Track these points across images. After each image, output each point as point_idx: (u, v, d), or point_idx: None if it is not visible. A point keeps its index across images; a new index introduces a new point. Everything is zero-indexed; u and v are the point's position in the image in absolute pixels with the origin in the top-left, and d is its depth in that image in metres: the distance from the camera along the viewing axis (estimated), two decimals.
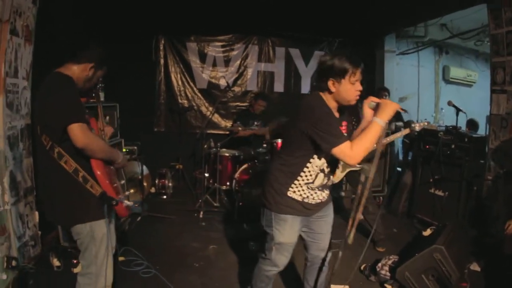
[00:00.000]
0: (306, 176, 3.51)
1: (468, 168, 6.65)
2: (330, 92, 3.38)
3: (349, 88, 3.29)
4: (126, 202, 3.30)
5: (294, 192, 3.55)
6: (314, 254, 3.98)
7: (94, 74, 3.36)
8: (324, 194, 3.71)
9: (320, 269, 4.03)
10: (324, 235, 3.92)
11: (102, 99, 6.25)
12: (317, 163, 3.47)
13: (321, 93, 3.45)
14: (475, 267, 5.54)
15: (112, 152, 3.33)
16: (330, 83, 3.32)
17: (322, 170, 3.53)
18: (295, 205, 3.58)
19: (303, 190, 3.55)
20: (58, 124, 2.95)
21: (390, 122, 3.30)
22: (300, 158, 3.49)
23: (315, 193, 3.62)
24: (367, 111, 3.42)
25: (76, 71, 3.23)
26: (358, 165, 5.85)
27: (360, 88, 3.32)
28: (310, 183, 3.54)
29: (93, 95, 3.79)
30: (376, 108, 3.29)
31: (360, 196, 3.43)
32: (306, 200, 3.59)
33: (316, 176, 3.53)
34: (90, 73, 3.31)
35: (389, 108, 3.17)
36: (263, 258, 3.92)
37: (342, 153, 3.14)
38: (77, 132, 2.91)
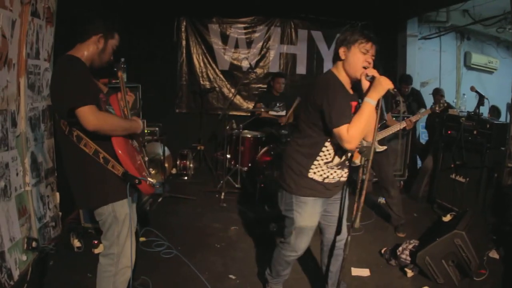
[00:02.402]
0: (325, 155, 3.52)
1: (489, 155, 6.57)
2: (341, 60, 3.46)
3: (358, 56, 3.36)
4: (150, 180, 3.22)
5: (315, 173, 3.56)
6: (330, 237, 3.99)
7: (105, 44, 3.26)
8: (343, 173, 3.69)
9: (337, 253, 4.01)
10: (334, 219, 3.94)
11: (125, 79, 6.30)
12: (334, 141, 3.43)
13: (333, 69, 3.54)
14: (494, 254, 5.54)
15: (129, 124, 3.27)
16: (341, 50, 3.42)
17: (341, 148, 3.45)
18: (316, 187, 3.59)
19: (323, 170, 3.56)
20: (67, 108, 2.88)
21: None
22: (318, 138, 3.50)
23: (335, 172, 3.61)
24: (364, 82, 3.38)
25: (86, 49, 3.17)
26: (380, 146, 5.84)
27: (370, 60, 3.37)
28: (329, 162, 3.54)
29: (115, 70, 3.65)
30: (372, 81, 3.28)
31: (361, 179, 3.34)
32: (326, 181, 3.59)
33: (335, 154, 3.53)
34: (101, 44, 3.22)
35: (381, 87, 3.18)
36: (282, 243, 3.95)
37: (339, 136, 3.20)
38: (86, 114, 2.83)
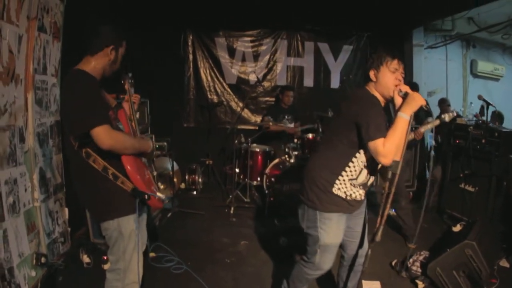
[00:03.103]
0: (350, 171, 3.52)
1: (498, 163, 6.56)
2: (372, 82, 3.56)
3: (388, 76, 3.46)
4: (159, 195, 3.23)
5: (339, 189, 3.54)
6: (351, 253, 3.96)
7: (116, 55, 3.27)
8: (362, 192, 3.69)
9: (357, 269, 3.98)
10: (357, 234, 3.93)
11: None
12: (362, 158, 3.50)
13: (367, 87, 3.62)
14: (504, 263, 5.52)
15: (140, 144, 3.29)
16: (371, 73, 3.54)
17: (366, 166, 3.55)
18: (341, 202, 3.58)
19: (346, 187, 3.55)
20: (80, 129, 2.89)
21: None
22: (346, 152, 3.52)
23: (357, 191, 3.62)
24: (397, 99, 3.45)
25: (96, 62, 3.16)
26: None
27: (400, 78, 3.47)
28: (353, 179, 3.55)
29: (122, 82, 3.58)
30: (404, 97, 3.34)
31: (388, 193, 3.36)
32: (349, 198, 3.59)
33: (360, 172, 3.55)
34: (112, 55, 3.22)
35: (415, 102, 3.22)
36: (306, 262, 3.87)
37: (375, 149, 3.20)
38: (101, 135, 2.86)
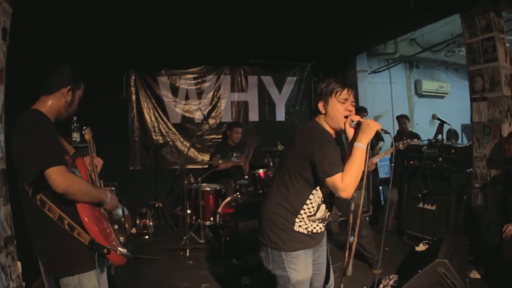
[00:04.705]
0: (308, 208, 3.41)
1: (456, 178, 6.73)
2: (322, 114, 3.44)
3: (337, 107, 3.34)
4: (120, 250, 3.03)
5: (300, 226, 3.43)
6: (318, 285, 3.83)
7: (73, 96, 3.16)
8: (322, 225, 3.59)
9: None
10: (325, 264, 3.83)
11: (77, 139, 6.08)
12: (319, 194, 3.40)
13: (317, 119, 3.50)
14: (474, 274, 5.62)
15: (98, 193, 3.09)
16: (320, 105, 3.42)
17: (324, 201, 3.45)
18: (304, 239, 3.46)
19: (306, 224, 3.44)
20: (34, 170, 2.70)
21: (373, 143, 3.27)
22: (303, 190, 3.39)
23: (317, 225, 3.51)
24: (349, 130, 3.37)
25: (52, 102, 3.02)
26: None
27: (351, 108, 3.37)
28: (312, 215, 3.44)
29: (83, 133, 3.57)
30: (357, 127, 3.26)
31: (353, 224, 3.40)
32: (310, 233, 3.48)
33: (318, 208, 3.44)
34: (69, 97, 3.10)
35: (370, 129, 3.15)
36: None
37: (334, 185, 3.10)
38: (55, 176, 2.69)
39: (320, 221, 3.52)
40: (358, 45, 9.98)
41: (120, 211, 7.31)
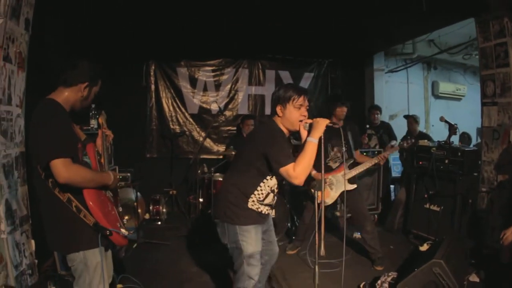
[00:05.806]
0: (258, 194, 3.91)
1: (462, 181, 6.69)
2: (279, 116, 3.90)
3: (293, 112, 3.84)
4: (122, 231, 3.23)
5: (252, 205, 3.90)
6: (266, 258, 4.31)
7: (89, 92, 3.32)
8: (269, 208, 4.09)
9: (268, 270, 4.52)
10: (273, 243, 4.40)
11: (95, 126, 6.24)
12: (269, 183, 3.94)
13: (274, 119, 3.97)
14: (474, 278, 5.56)
15: (101, 178, 3.26)
16: (278, 108, 3.88)
17: (273, 191, 4.00)
18: (255, 215, 3.94)
19: (256, 204, 3.92)
20: (42, 159, 2.91)
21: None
22: (255, 179, 3.91)
23: (265, 207, 4.00)
24: (303, 132, 3.86)
25: (69, 94, 3.19)
26: (350, 185, 6.03)
27: (305, 113, 3.87)
28: (261, 200, 3.93)
29: (97, 117, 3.75)
30: (310, 128, 3.74)
31: (318, 210, 3.96)
32: (260, 212, 3.97)
33: (267, 195, 3.96)
34: (85, 92, 3.26)
35: (320, 125, 3.65)
36: (236, 276, 4.05)
37: (287, 173, 3.56)
38: (58, 168, 2.86)
39: (267, 206, 4.02)
40: (376, 43, 9.99)
41: (133, 197, 7.49)
